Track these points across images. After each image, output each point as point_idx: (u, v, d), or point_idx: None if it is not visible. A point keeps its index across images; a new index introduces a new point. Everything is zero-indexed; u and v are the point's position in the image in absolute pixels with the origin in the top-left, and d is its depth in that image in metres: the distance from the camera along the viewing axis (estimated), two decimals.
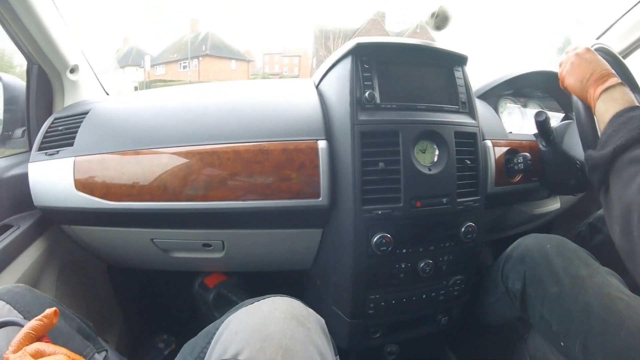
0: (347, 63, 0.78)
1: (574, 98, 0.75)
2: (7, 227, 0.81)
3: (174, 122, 0.82)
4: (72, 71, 0.97)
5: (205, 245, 0.87)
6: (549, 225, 1.32)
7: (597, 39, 1.27)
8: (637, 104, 0.58)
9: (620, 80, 0.63)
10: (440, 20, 0.83)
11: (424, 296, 0.84)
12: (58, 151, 0.82)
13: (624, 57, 1.22)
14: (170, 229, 0.84)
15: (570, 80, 0.70)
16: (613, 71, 0.65)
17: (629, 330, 0.62)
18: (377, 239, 0.74)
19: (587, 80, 0.67)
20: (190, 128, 0.80)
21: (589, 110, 0.72)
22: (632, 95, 0.61)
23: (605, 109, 0.61)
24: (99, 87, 1.10)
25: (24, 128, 0.96)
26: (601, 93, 0.63)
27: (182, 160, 0.76)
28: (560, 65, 0.74)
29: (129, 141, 0.79)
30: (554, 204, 1.15)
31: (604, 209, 0.61)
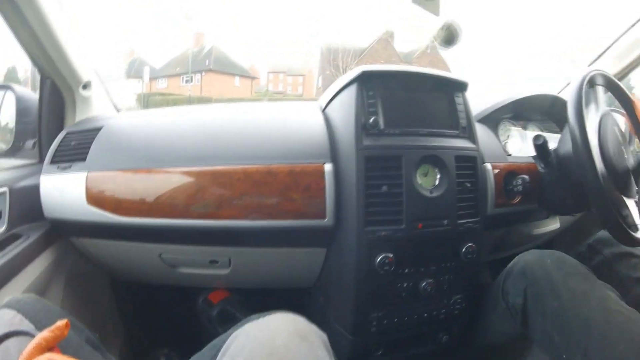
0: (352, 90, 0.81)
1: (570, 125, 0.78)
2: (16, 237, 0.83)
3: (185, 142, 0.84)
4: (84, 87, 1.00)
5: (212, 261, 0.89)
6: (549, 245, 1.34)
7: (590, 65, 1.31)
8: None
9: None
10: (449, 35, 0.85)
11: (425, 315, 0.86)
12: (71, 165, 0.84)
13: (620, 79, 1.25)
14: (178, 245, 0.86)
15: None
16: None
17: (627, 343, 0.64)
18: (380, 259, 0.76)
19: None
20: (203, 149, 0.82)
21: (585, 136, 0.75)
22: None
23: None
24: (109, 103, 1.13)
25: (35, 140, 0.99)
26: None
27: (193, 179, 0.79)
28: None
29: (142, 159, 0.82)
30: (553, 224, 1.17)
31: None
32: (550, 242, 1.32)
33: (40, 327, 0.44)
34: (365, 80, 0.81)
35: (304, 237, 0.83)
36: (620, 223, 0.78)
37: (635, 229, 0.82)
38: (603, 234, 0.97)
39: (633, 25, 1.20)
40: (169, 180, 0.79)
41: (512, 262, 0.85)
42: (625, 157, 0.88)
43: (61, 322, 0.43)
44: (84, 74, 0.98)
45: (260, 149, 0.81)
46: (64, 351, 0.43)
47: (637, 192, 0.90)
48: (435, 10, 0.77)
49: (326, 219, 0.78)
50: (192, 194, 0.78)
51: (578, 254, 1.02)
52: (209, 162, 0.79)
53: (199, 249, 0.87)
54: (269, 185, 0.78)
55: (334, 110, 0.88)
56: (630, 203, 0.87)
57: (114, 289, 1.12)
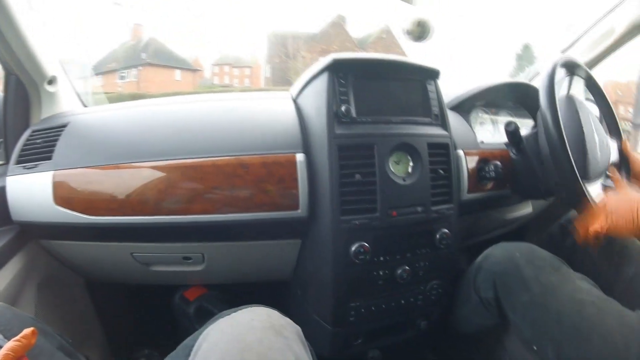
0: (323, 78, 0.80)
1: (542, 110, 0.80)
2: None
3: (154, 136, 0.82)
4: (50, 82, 0.96)
5: (186, 258, 0.88)
6: (522, 228, 1.37)
7: (563, 51, 1.33)
8: None
9: None
10: (422, 31, 0.85)
11: (402, 302, 0.86)
12: (36, 165, 0.81)
13: (590, 67, 1.28)
14: (150, 243, 0.84)
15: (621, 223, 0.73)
16: None
17: (600, 335, 0.65)
18: (356, 248, 0.76)
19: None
20: (171, 142, 0.80)
21: (557, 121, 0.77)
22: None
23: None
24: (76, 99, 1.09)
25: (1, 140, 0.94)
26: None
27: (162, 174, 0.77)
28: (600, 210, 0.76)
29: (109, 155, 0.79)
30: (526, 209, 1.20)
31: None
32: (523, 225, 1.35)
33: (10, 337, 0.42)
34: (337, 69, 0.80)
35: (278, 229, 0.82)
36: (591, 206, 0.80)
37: None
38: (575, 213, 0.99)
39: (605, 15, 1.22)
40: (138, 176, 0.77)
41: (481, 256, 0.85)
42: (596, 141, 0.90)
43: (28, 331, 0.41)
44: (49, 69, 0.94)
45: (231, 140, 0.80)
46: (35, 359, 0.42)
47: (607, 176, 0.92)
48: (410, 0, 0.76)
49: (300, 210, 0.77)
50: (163, 189, 0.76)
51: (550, 234, 1.05)
52: (178, 155, 0.77)
53: (171, 246, 0.85)
54: (242, 178, 0.76)
55: (306, 100, 0.87)
56: (599, 186, 0.89)
57: (89, 291, 1.09)
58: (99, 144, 0.82)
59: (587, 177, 0.85)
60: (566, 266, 0.79)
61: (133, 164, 0.78)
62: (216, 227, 0.78)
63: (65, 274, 0.99)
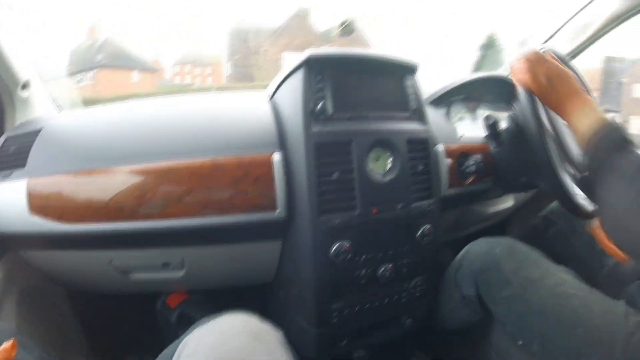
0: (299, 75, 0.79)
1: (521, 103, 0.79)
2: None
3: (127, 139, 0.80)
4: (23, 87, 0.92)
5: (165, 264, 0.85)
6: (505, 221, 1.38)
7: (545, 42, 1.35)
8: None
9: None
10: (347, 30, 0.85)
11: (386, 300, 0.86)
12: (11, 173, 0.78)
13: (572, 57, 1.30)
14: (128, 250, 0.82)
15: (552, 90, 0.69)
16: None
17: (585, 327, 0.65)
18: (336, 248, 0.75)
19: (564, 94, 0.67)
20: (144, 145, 0.78)
21: (536, 113, 0.77)
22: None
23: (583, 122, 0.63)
24: (51, 103, 1.05)
25: None
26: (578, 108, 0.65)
27: (137, 179, 0.74)
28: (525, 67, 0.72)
29: (82, 160, 0.77)
30: (508, 202, 1.21)
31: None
32: (506, 218, 1.36)
33: None
34: (313, 65, 0.78)
35: (257, 230, 0.80)
36: (572, 197, 0.80)
37: (587, 201, 0.85)
38: (557, 204, 1.00)
39: (584, 6, 1.24)
40: (112, 181, 0.75)
41: (461, 253, 0.86)
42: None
43: (7, 344, 0.41)
44: (22, 73, 0.90)
45: (206, 141, 0.78)
46: None
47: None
48: None
49: (278, 211, 0.76)
50: (138, 194, 0.74)
51: (533, 226, 1.06)
52: (153, 158, 0.75)
53: (150, 252, 0.83)
54: (217, 179, 0.75)
55: (281, 98, 0.85)
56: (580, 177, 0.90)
57: (71, 301, 1.06)
58: (72, 149, 0.80)
59: (567, 168, 0.86)
60: (547, 259, 0.79)
61: (107, 168, 0.75)
62: (194, 231, 0.76)
63: (46, 285, 0.96)
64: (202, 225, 0.75)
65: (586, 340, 0.64)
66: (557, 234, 0.99)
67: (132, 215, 0.74)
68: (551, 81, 0.68)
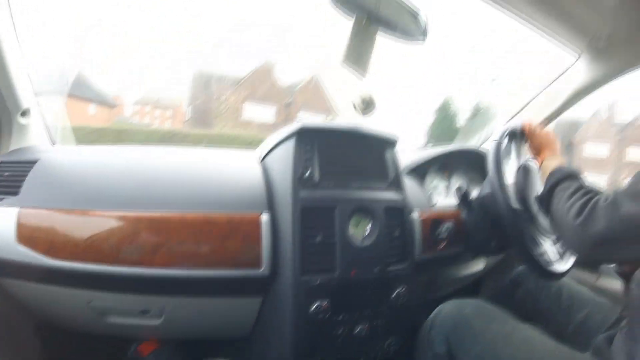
0: (290, 143, 0.86)
1: (489, 174, 0.89)
2: None
3: (124, 184, 0.82)
4: (23, 114, 0.94)
5: (144, 311, 0.86)
6: (477, 283, 1.44)
7: (510, 119, 1.48)
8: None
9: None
10: (368, 106, 0.94)
11: (361, 358, 0.89)
12: (2, 198, 0.78)
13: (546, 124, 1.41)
14: (109, 293, 0.82)
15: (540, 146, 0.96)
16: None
17: None
18: (316, 306, 0.79)
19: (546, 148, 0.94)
20: (140, 192, 0.81)
21: (503, 184, 0.88)
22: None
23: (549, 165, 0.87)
24: (46, 135, 1.06)
25: None
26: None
27: (129, 225, 0.77)
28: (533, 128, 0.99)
29: (78, 199, 0.78)
30: (479, 266, 1.27)
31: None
32: (477, 280, 1.42)
33: None
34: (303, 135, 0.86)
35: (239, 286, 0.83)
36: (537, 260, 0.87)
37: (551, 265, 0.91)
38: (524, 268, 1.07)
39: (552, 82, 1.38)
40: (104, 224, 0.77)
41: (433, 313, 0.89)
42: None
43: None
44: (25, 100, 0.92)
45: (199, 196, 0.82)
46: None
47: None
48: (363, 72, 0.85)
49: (262, 268, 0.80)
50: (128, 240, 0.76)
51: (502, 288, 1.11)
52: (147, 207, 0.78)
53: (130, 298, 0.83)
54: (207, 234, 0.78)
55: (272, 162, 0.92)
56: (547, 242, 0.97)
57: (39, 335, 1.03)
58: (68, 186, 0.81)
59: (535, 238, 0.93)
60: (514, 318, 0.83)
61: (101, 211, 0.77)
62: (177, 281, 0.78)
63: (16, 315, 0.94)
64: (187, 276, 0.78)
65: None
66: (525, 294, 1.03)
67: (119, 259, 0.76)
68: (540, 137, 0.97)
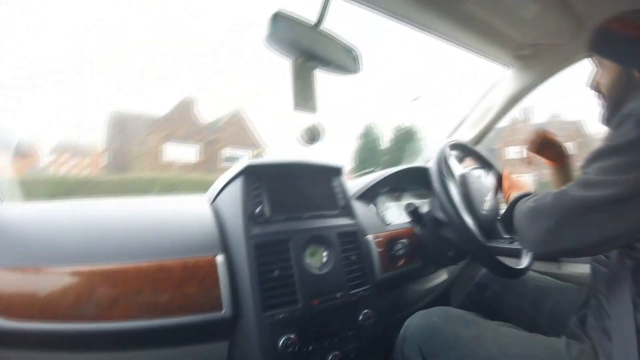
0: (238, 183, 0.88)
1: (435, 189, 0.93)
2: None
3: (75, 239, 0.80)
4: None
5: None
6: (444, 294, 1.48)
7: (449, 136, 1.58)
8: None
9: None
10: (313, 136, 0.97)
11: None
12: None
13: (477, 142, 1.52)
14: (72, 353, 0.78)
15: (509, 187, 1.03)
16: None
17: None
18: (283, 341, 0.79)
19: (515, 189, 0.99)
20: (92, 246, 0.79)
21: (448, 195, 0.92)
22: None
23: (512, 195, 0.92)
24: None
25: None
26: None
27: (84, 279, 0.75)
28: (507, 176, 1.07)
29: (30, 257, 0.75)
30: (442, 276, 1.31)
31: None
32: (444, 291, 1.46)
33: None
34: (250, 173, 0.89)
35: (203, 331, 0.81)
36: (498, 262, 0.90)
37: (512, 263, 0.95)
38: (487, 270, 1.10)
39: (480, 100, 1.50)
40: (59, 281, 0.74)
41: (403, 328, 0.90)
42: (489, 204, 1.03)
43: None
44: None
45: (153, 244, 0.81)
46: None
47: (505, 232, 1.04)
48: (313, 109, 0.89)
49: (223, 310, 0.79)
50: (84, 295, 0.74)
51: (468, 294, 1.14)
52: (100, 260, 0.77)
53: (93, 356, 0.79)
54: (164, 281, 0.77)
55: (222, 203, 0.93)
56: (501, 242, 1.02)
57: None
58: (19, 244, 0.78)
59: (488, 236, 0.97)
60: (482, 318, 0.86)
61: (54, 268, 0.75)
62: (139, 333, 0.76)
63: None
64: (149, 327, 0.76)
65: None
66: (492, 295, 1.06)
67: (77, 316, 0.73)
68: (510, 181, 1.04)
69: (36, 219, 0.89)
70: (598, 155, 0.64)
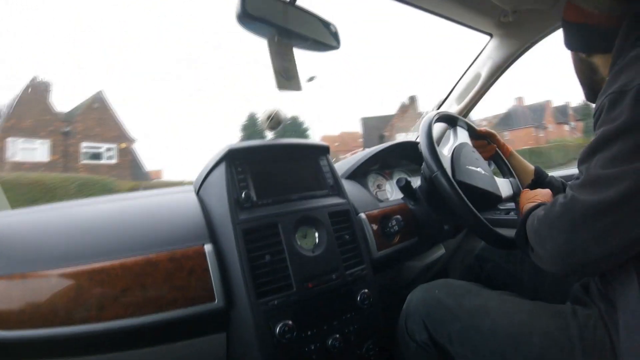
0: (221, 169, 0.85)
1: (426, 160, 0.88)
2: None
3: (59, 241, 0.78)
4: None
5: None
6: (443, 269, 1.47)
7: (439, 107, 1.56)
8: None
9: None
10: (275, 123, 0.94)
11: None
12: None
13: (465, 114, 1.50)
14: (67, 358, 0.76)
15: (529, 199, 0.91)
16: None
17: (539, 333, 0.68)
18: (280, 328, 0.76)
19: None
20: (77, 246, 0.77)
21: (440, 166, 0.87)
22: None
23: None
24: None
25: None
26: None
27: (71, 281, 0.72)
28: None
29: (15, 263, 0.73)
30: (439, 251, 1.30)
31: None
32: (444, 266, 1.44)
33: None
34: (233, 158, 0.85)
35: (198, 324, 0.79)
36: (496, 234, 0.85)
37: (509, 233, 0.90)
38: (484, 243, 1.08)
39: (466, 71, 1.47)
40: (46, 285, 0.72)
41: (405, 303, 0.89)
42: (483, 173, 0.98)
43: None
44: None
45: (138, 239, 0.79)
46: None
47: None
48: (298, 87, 0.86)
49: (216, 301, 0.76)
50: (72, 297, 0.71)
51: (469, 267, 1.12)
52: (85, 260, 0.74)
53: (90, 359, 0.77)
54: (151, 276, 0.74)
55: (207, 191, 0.90)
56: (497, 213, 0.99)
57: None
58: (3, 252, 0.75)
59: (485, 208, 0.94)
60: (483, 287, 0.84)
61: (40, 272, 0.72)
62: (133, 331, 0.74)
63: None
64: (141, 324, 0.73)
65: (544, 345, 0.67)
66: (493, 267, 1.05)
67: (68, 320, 0.70)
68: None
69: (17, 224, 0.86)
70: (598, 145, 0.58)
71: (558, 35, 0.89)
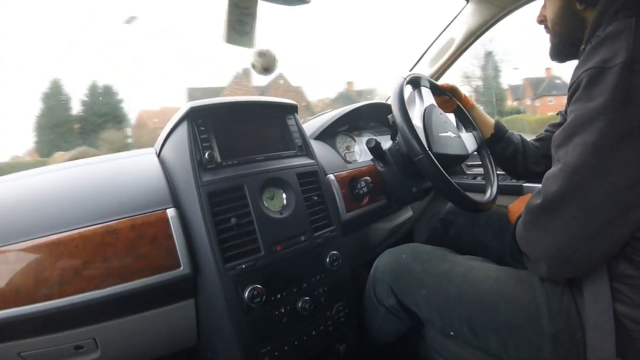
0: (183, 128, 0.80)
1: (397, 121, 0.86)
2: None
3: (13, 215, 0.72)
4: None
5: (77, 347, 0.76)
6: (411, 232, 1.50)
7: (411, 70, 1.53)
8: None
9: None
10: (269, 61, 0.86)
11: (313, 332, 0.86)
12: None
13: (437, 78, 1.48)
14: (36, 337, 0.72)
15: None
16: None
17: (506, 299, 0.69)
18: (249, 293, 0.75)
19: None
20: (32, 219, 0.71)
21: (411, 126, 0.85)
22: None
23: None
24: None
25: None
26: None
27: (29, 257, 0.67)
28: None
29: None
30: (407, 213, 1.31)
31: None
32: (411, 229, 1.47)
33: None
34: (195, 116, 0.80)
35: (165, 293, 0.76)
36: (464, 196, 0.86)
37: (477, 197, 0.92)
38: (452, 205, 1.09)
39: (439, 35, 1.44)
40: (4, 262, 0.67)
41: (372, 269, 0.89)
42: (453, 137, 0.97)
43: None
44: None
45: (97, 207, 0.74)
46: None
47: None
48: (249, 44, 0.80)
49: (182, 268, 0.74)
50: (32, 274, 0.67)
51: (434, 230, 1.14)
52: (42, 233, 0.69)
53: (58, 337, 0.73)
54: (113, 246, 0.70)
55: (168, 153, 0.85)
56: (464, 177, 1.00)
57: None
58: None
59: (453, 167, 0.93)
60: (452, 252, 0.85)
61: None
62: (99, 304, 0.70)
63: None
64: (107, 296, 0.70)
65: (511, 311, 0.68)
66: (457, 230, 1.06)
67: (31, 298, 0.66)
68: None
69: None
70: (577, 127, 0.56)
71: (531, 7, 0.86)
